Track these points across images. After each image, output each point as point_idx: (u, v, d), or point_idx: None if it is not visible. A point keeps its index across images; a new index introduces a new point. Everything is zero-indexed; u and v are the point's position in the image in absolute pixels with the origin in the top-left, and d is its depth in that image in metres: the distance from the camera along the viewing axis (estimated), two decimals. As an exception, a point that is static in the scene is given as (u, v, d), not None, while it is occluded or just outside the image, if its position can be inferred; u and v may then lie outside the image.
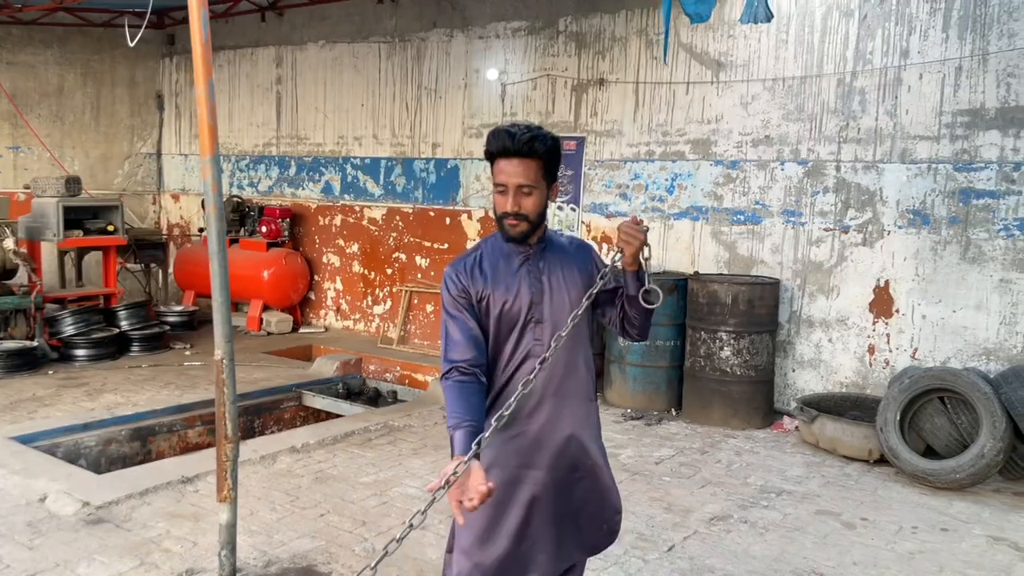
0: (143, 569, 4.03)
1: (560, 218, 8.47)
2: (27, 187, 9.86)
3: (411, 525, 2.23)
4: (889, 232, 6.62)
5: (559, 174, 2.67)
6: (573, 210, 8.40)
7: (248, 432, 7.07)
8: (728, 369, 6.68)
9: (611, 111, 8.09)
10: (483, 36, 8.98)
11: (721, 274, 7.30)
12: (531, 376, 2.45)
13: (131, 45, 7.60)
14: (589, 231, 8.31)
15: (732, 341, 6.64)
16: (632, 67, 7.93)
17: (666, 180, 7.79)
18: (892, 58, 6.57)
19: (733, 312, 6.62)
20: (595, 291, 2.57)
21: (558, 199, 8.35)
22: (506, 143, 2.49)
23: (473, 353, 2.54)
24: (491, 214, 9.01)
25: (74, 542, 4.27)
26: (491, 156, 2.53)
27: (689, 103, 7.59)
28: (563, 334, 2.50)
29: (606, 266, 2.62)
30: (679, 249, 7.74)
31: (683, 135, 7.66)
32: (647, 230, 2.54)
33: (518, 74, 8.72)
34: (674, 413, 7.11)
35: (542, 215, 2.59)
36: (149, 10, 7.98)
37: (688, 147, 7.63)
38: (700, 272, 7.38)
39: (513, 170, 2.49)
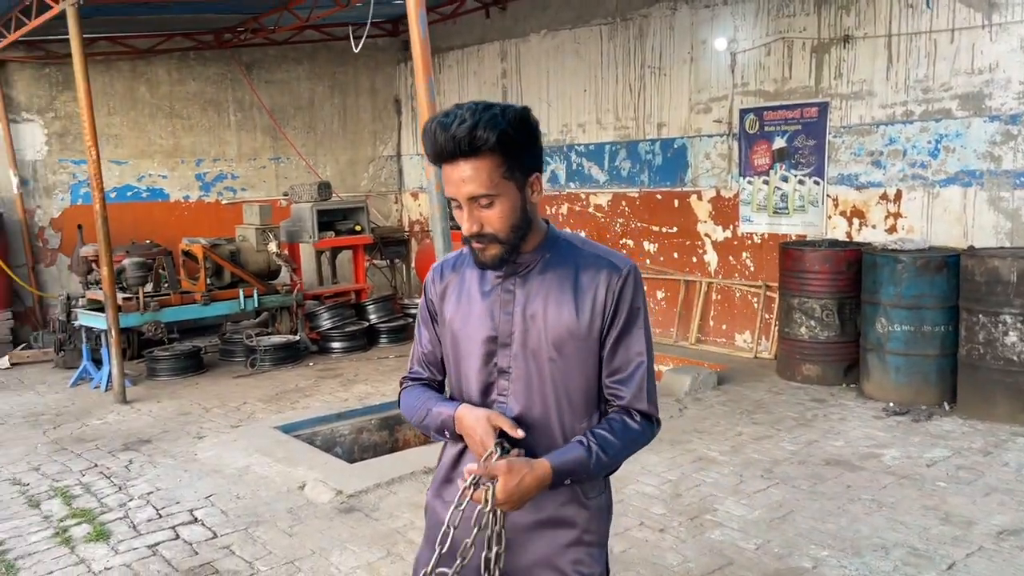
0: (389, 560, 4.15)
1: (801, 193, 7.79)
2: (285, 194, 10.79)
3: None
4: None
5: (544, 159, 1.97)
6: (817, 183, 7.69)
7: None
8: (1015, 357, 5.75)
9: (858, 70, 7.28)
10: (709, 4, 8.46)
11: (1002, 247, 6.31)
12: (466, 498, 1.77)
13: (355, 51, 8.01)
14: (836, 206, 7.56)
15: (1019, 325, 5.70)
16: (883, 19, 7.07)
17: (928, 143, 6.88)
18: None
19: (1020, 292, 5.68)
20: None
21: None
22: (439, 143, 1.76)
23: (427, 373, 2.12)
24: (723, 192, 8.53)
25: (328, 530, 4.51)
26: (435, 162, 1.85)
27: (955, 53, 6.63)
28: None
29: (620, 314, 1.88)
30: (947, 220, 6.81)
31: (948, 90, 6.71)
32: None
33: (749, 41, 8.12)
34: (947, 407, 6.27)
35: (519, 225, 1.84)
36: (368, 21, 8.35)
37: (955, 103, 6.67)
38: (975, 246, 6.44)
39: (459, 177, 1.78)
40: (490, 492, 1.73)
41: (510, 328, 1.91)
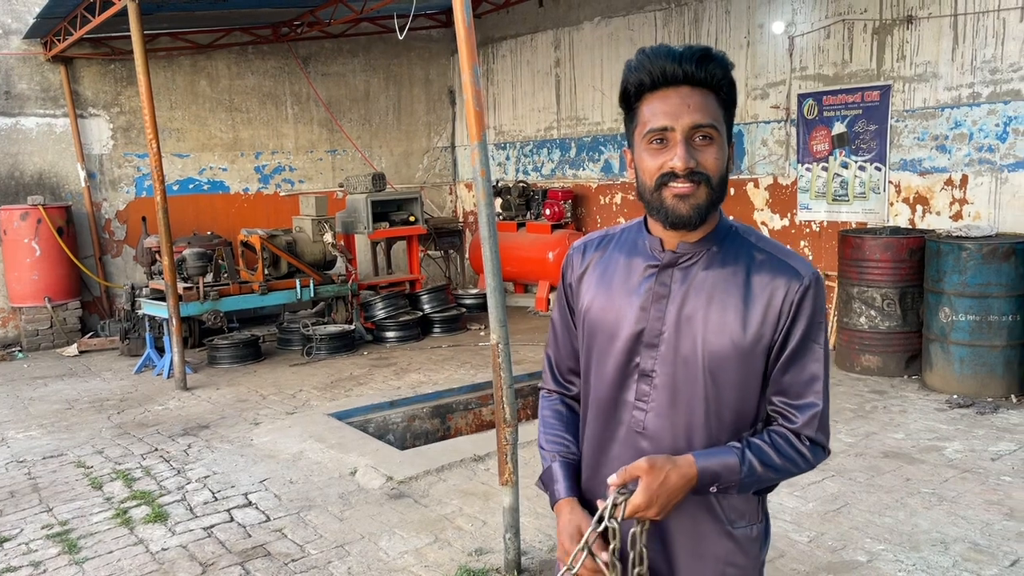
0: (437, 546, 4.18)
1: (862, 179, 7.57)
2: (341, 185, 10.93)
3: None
4: None
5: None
6: (878, 169, 7.46)
7: (536, 411, 7.19)
8: (1088, 348, 5.51)
9: (922, 52, 7.03)
10: (767, -13, 8.27)
11: (1075, 233, 6.05)
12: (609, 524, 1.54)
13: (400, 38, 8.01)
14: (899, 192, 7.33)
15: (1093, 314, 5.45)
16: (948, -3, 6.82)
17: (996, 125, 6.61)
18: None
19: (1093, 279, 5.44)
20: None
21: (850, 156, 7.48)
22: (667, 66, 1.55)
23: (557, 388, 1.91)
24: (780, 180, 8.32)
25: (378, 515, 4.56)
26: (637, 94, 1.61)
27: (1025, 31, 6.35)
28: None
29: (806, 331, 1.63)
30: (1016, 206, 6.54)
31: (1018, 70, 6.43)
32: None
33: (807, 24, 7.92)
34: (1014, 400, 6.03)
35: (725, 180, 1.62)
36: (412, 11, 8.36)
37: (1025, 84, 6.40)
38: (1045, 232, 6.18)
39: (682, 102, 1.55)
40: (626, 504, 1.53)
41: (660, 327, 1.65)
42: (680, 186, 1.58)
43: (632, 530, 1.58)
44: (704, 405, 1.64)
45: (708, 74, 1.56)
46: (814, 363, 1.63)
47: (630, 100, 1.63)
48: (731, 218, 1.73)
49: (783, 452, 1.64)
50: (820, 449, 1.68)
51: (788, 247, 1.70)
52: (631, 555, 1.59)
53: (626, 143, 1.72)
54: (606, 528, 1.54)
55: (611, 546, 1.56)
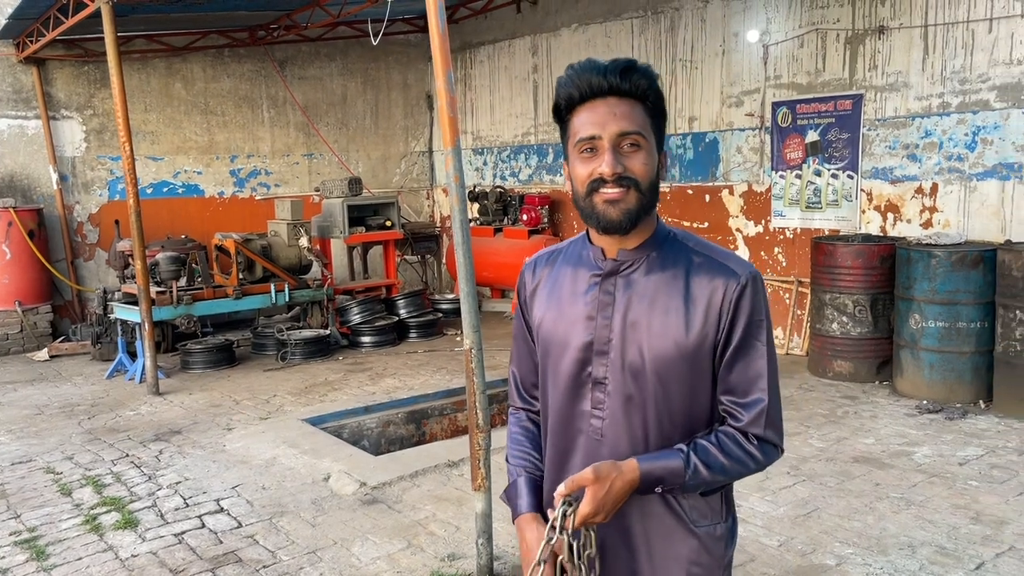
0: (410, 551, 4.17)
1: (835, 187, 7.66)
2: (317, 189, 10.89)
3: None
4: None
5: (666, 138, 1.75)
6: (850, 177, 7.55)
7: (512, 417, 7.19)
8: (1053, 354, 5.60)
9: (893, 62, 7.13)
10: (742, -3, 8.36)
11: (1041, 241, 6.16)
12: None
13: (374, 44, 8.00)
14: (870, 200, 7.42)
15: (1057, 321, 5.55)
16: (919, 9, 6.92)
17: (965, 135, 6.72)
18: None
19: (1058, 286, 5.54)
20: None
21: (828, 163, 7.57)
22: (586, 79, 1.62)
23: (523, 405, 1.95)
24: (755, 187, 8.40)
25: (351, 521, 4.54)
26: (567, 108, 1.67)
27: (993, 43, 6.47)
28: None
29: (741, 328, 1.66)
30: (984, 215, 6.65)
31: (986, 81, 6.55)
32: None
33: (782, 33, 8.01)
34: (982, 405, 6.12)
35: (655, 185, 1.66)
36: (386, 15, 8.36)
37: (993, 94, 6.51)
38: (1013, 240, 6.28)
39: (609, 111, 1.62)
40: (575, 515, 1.57)
41: (608, 335, 1.69)
42: (609, 191, 1.62)
43: (582, 534, 1.62)
44: (655, 409, 1.68)
45: (633, 85, 1.62)
46: (758, 360, 1.67)
47: (562, 114, 1.69)
48: (669, 225, 1.77)
49: (730, 453, 1.66)
50: (772, 447, 1.70)
51: (726, 249, 1.74)
52: (585, 553, 1.63)
53: (563, 156, 1.76)
54: (568, 535, 1.59)
55: (573, 552, 1.60)
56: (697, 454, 1.65)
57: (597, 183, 1.63)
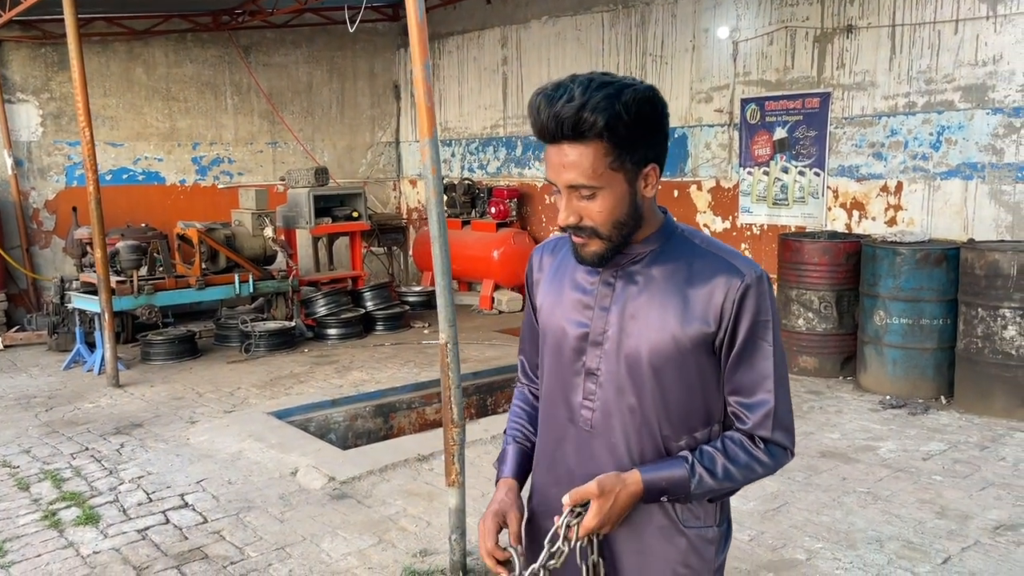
0: (381, 547, 4.12)
1: (801, 184, 7.74)
2: (282, 179, 10.72)
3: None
4: None
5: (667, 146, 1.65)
6: (817, 174, 7.64)
7: (481, 410, 7.17)
8: (1013, 351, 5.72)
9: (861, 61, 7.22)
10: (712, -7, 8.39)
11: (1003, 240, 6.28)
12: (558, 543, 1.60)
13: (351, 31, 7.88)
14: (836, 197, 7.52)
15: (1019, 319, 5.67)
16: (886, 9, 7.01)
17: (930, 134, 6.83)
18: None
19: (1020, 285, 5.65)
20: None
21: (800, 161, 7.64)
22: (542, 120, 1.54)
23: (528, 383, 2.01)
24: (723, 183, 8.47)
25: (320, 516, 4.47)
26: (538, 138, 1.63)
27: (959, 44, 6.57)
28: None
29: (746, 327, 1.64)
30: (947, 214, 6.76)
31: (951, 81, 6.65)
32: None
33: (751, 29, 8.06)
34: (943, 401, 6.24)
35: (623, 222, 1.61)
36: (364, 2, 8.25)
37: (957, 95, 6.62)
38: (975, 239, 6.40)
39: (559, 162, 1.56)
40: (579, 527, 1.59)
41: (604, 326, 1.68)
42: (574, 237, 1.66)
43: (583, 545, 1.65)
44: (651, 402, 1.66)
45: (586, 126, 1.51)
46: (763, 361, 1.64)
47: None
48: (677, 220, 1.76)
49: (736, 459, 1.64)
50: (780, 450, 1.68)
51: (733, 248, 1.72)
52: (587, 562, 1.67)
53: None
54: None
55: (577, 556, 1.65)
56: (702, 462, 1.63)
57: (563, 228, 1.66)
